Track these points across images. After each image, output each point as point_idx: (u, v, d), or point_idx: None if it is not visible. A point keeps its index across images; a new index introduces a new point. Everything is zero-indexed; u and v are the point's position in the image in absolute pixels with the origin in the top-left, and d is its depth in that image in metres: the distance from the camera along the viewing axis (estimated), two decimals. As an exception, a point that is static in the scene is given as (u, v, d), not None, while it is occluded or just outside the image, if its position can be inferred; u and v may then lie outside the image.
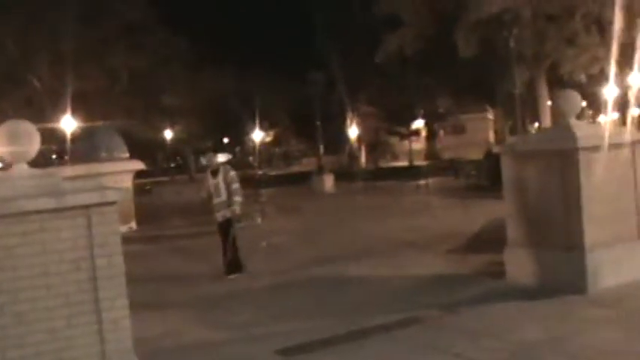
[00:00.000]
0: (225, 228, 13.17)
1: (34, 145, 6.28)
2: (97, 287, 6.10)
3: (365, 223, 19.56)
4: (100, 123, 31.36)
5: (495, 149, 11.20)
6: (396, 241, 15.23)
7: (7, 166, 6.42)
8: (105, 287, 6.13)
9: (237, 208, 13.10)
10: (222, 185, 13.07)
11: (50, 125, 33.73)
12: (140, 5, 39.75)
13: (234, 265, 13.04)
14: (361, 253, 14.06)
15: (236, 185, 13.09)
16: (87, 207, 6.07)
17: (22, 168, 6.25)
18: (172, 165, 76.79)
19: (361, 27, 42.01)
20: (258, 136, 58.75)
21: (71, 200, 6.01)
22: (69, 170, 21.63)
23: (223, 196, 13.05)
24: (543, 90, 32.91)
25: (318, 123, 39.90)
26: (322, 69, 43.18)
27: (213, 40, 48.19)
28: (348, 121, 54.77)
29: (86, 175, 19.42)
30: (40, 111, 35.06)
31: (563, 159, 9.54)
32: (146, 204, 31.49)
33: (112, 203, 6.23)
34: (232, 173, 13.22)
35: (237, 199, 13.06)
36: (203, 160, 13.63)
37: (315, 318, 9.18)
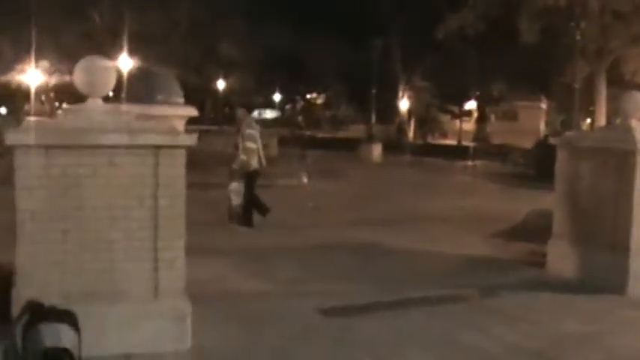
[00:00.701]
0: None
1: (109, 81, 6.45)
2: (158, 226, 6.30)
3: (410, 196, 19.65)
4: (155, 66, 31.66)
5: (552, 141, 11.16)
6: (440, 219, 15.30)
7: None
8: (165, 227, 6.32)
9: (237, 162, 13.83)
10: (239, 140, 13.83)
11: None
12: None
13: (243, 218, 13.69)
14: (405, 226, 14.17)
15: (247, 142, 13.62)
16: (157, 147, 6.24)
17: (97, 102, 6.42)
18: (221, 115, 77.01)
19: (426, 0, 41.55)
20: (308, 96, 58.89)
21: (143, 139, 6.19)
22: (124, 108, 21.97)
23: (240, 150, 13.80)
24: (602, 87, 32.43)
25: (374, 91, 39.81)
26: (381, 37, 42.84)
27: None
28: (401, 93, 54.52)
29: (140, 115, 19.70)
30: (98, 47, 35.38)
31: (620, 159, 9.50)
32: (195, 151, 31.78)
33: (182, 147, 6.42)
34: (248, 131, 13.77)
35: (242, 156, 13.67)
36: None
37: (357, 282, 9.34)
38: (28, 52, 36.67)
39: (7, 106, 52.47)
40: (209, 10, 41.31)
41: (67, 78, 39.46)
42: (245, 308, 7.89)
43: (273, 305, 8.09)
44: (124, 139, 6.13)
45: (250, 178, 13.80)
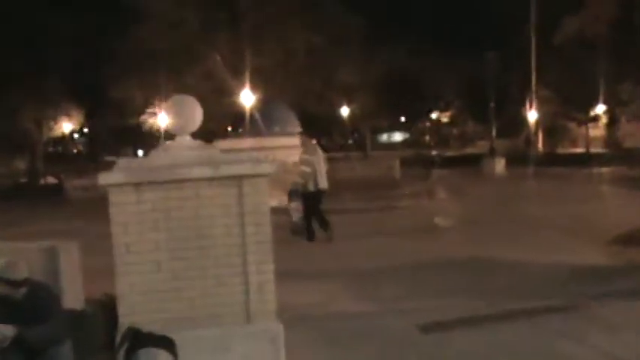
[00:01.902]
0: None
1: (196, 119, 6.84)
2: (246, 252, 6.59)
3: (529, 207, 19.41)
4: (276, 98, 32.52)
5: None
6: (558, 228, 15.10)
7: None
8: (253, 252, 6.61)
9: (293, 184, 15.63)
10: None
11: (228, 99, 35.37)
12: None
13: (306, 233, 15.30)
14: (519, 238, 14.08)
15: (302, 167, 15.12)
16: (240, 177, 6.56)
17: (184, 139, 6.82)
18: (350, 142, 77.70)
19: (540, 6, 40.71)
20: (433, 115, 58.65)
21: (226, 170, 6.52)
22: (245, 142, 22.80)
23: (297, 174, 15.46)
24: None
25: (492, 104, 39.36)
26: (498, 49, 42.31)
27: (388, 17, 48.29)
28: (528, 105, 53.52)
29: (259, 147, 20.44)
30: (219, 84, 36.61)
31: None
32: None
33: (264, 175, 6.71)
34: (303, 156, 15.34)
35: (298, 179, 15.26)
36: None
37: (461, 297, 9.39)
38: (154, 94, 38.47)
39: (142, 148, 55.02)
40: (325, 37, 41.86)
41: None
42: (343, 328, 8.09)
43: (373, 324, 8.25)
44: (207, 172, 6.47)
45: (307, 198, 15.16)
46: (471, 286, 10.17)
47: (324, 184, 15.23)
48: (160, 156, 6.71)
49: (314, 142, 16.71)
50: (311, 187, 15.01)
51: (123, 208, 6.36)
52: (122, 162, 6.67)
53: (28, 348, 5.53)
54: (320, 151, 15.73)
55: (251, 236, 6.59)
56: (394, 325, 8.15)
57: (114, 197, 6.37)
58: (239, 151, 16.16)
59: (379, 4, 49.79)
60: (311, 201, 15.12)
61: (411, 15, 48.67)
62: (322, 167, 15.27)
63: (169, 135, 7.03)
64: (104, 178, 6.31)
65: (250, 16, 36.68)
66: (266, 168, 6.68)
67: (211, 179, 6.48)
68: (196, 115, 6.86)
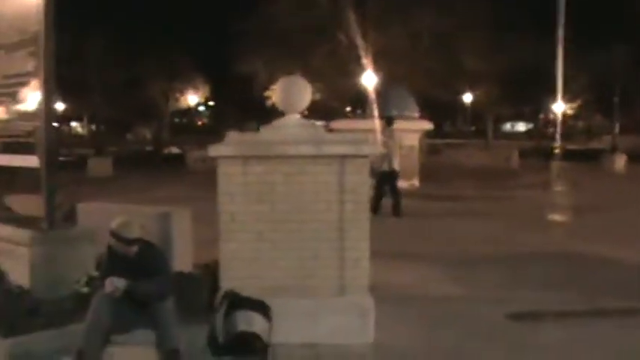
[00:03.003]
0: None
1: (304, 98, 7.20)
2: (344, 228, 6.91)
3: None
4: (399, 81, 32.63)
5: None
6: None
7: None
8: (350, 229, 6.92)
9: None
10: None
11: (351, 79, 35.70)
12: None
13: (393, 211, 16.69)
14: (629, 237, 13.80)
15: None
16: (342, 157, 6.87)
17: (293, 117, 7.19)
18: (472, 129, 76.91)
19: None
20: (559, 107, 57.19)
21: (329, 149, 6.85)
22: (360, 124, 23.11)
23: None
24: None
25: (616, 99, 38.24)
26: (631, 43, 40.91)
27: (517, 4, 47.25)
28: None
29: (373, 130, 20.67)
30: (344, 64, 36.95)
31: None
32: (434, 163, 32.55)
33: (365, 156, 7.00)
34: (382, 139, 16.83)
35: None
36: None
37: (557, 291, 9.36)
38: (279, 71, 39.17)
39: (264, 123, 56.16)
40: (452, 22, 41.46)
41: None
42: (435, 310, 8.31)
43: (463, 308, 8.43)
44: (312, 150, 6.82)
45: (380, 177, 16.22)
46: (571, 280, 10.14)
47: (397, 165, 16.79)
48: (268, 132, 7.10)
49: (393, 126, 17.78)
50: (385, 167, 16.34)
51: (230, 179, 6.79)
52: (232, 136, 7.09)
53: (137, 300, 6.04)
54: (395, 136, 17.49)
55: (349, 213, 6.90)
56: (485, 310, 8.29)
57: (222, 169, 6.81)
58: (352, 131, 16.56)
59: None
60: (383, 179, 16.43)
61: (541, 1, 47.24)
62: (396, 150, 17.07)
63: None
64: (215, 150, 6.76)
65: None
66: (367, 149, 6.97)
67: (315, 157, 6.82)
68: (305, 96, 7.22)
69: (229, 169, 6.79)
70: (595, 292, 9.34)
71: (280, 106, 7.23)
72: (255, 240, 6.83)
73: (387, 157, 16.26)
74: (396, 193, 16.90)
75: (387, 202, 16.77)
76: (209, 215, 7.07)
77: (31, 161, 8.09)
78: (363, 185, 6.97)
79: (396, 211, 16.66)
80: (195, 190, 19.17)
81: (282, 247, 6.86)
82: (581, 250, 12.28)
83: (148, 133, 63.44)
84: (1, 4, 8.43)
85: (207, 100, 65.29)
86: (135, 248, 6.15)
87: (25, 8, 8.03)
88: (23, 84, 8.20)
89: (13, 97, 8.38)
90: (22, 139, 8.37)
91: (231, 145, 6.87)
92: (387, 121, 17.95)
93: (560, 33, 31.36)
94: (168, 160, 39.40)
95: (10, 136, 8.57)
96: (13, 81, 8.34)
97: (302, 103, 7.22)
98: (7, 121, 8.56)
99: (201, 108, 76.65)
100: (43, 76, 7.79)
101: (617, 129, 40.49)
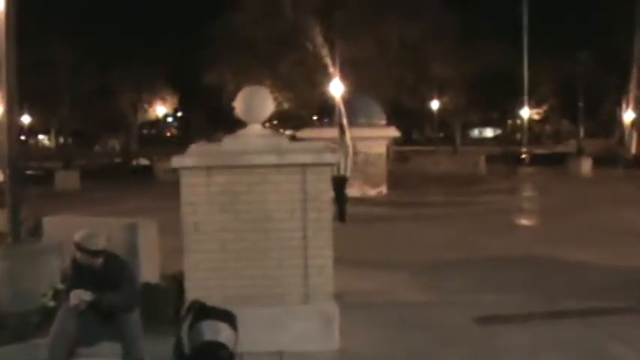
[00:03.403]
0: None
1: (266, 108, 7.28)
2: (307, 236, 6.98)
3: (608, 210, 19.04)
4: (367, 89, 32.80)
5: None
6: (635, 233, 14.88)
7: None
8: (314, 237, 6.99)
9: None
10: None
11: (319, 88, 35.78)
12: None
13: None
14: (593, 240, 13.99)
15: None
16: (304, 165, 6.95)
17: (255, 128, 7.26)
18: (440, 135, 77.40)
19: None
20: (525, 113, 57.82)
21: (291, 158, 6.93)
22: (326, 132, 23.19)
23: None
24: None
25: (580, 104, 38.73)
26: (594, 47, 41.46)
27: (484, 14, 47.78)
28: (624, 105, 52.25)
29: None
30: (311, 73, 37.04)
31: None
32: (402, 171, 32.78)
33: (327, 164, 7.09)
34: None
35: None
36: None
37: (521, 294, 9.49)
38: (247, 81, 39.19)
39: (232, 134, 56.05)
40: (420, 31, 41.74)
41: (284, 106, 41.77)
42: (401, 315, 8.40)
43: (430, 313, 8.53)
44: (274, 159, 6.90)
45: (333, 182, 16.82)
46: (535, 283, 10.28)
47: (347, 171, 17.36)
48: (231, 142, 7.16)
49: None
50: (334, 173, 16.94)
51: (194, 190, 6.85)
52: (195, 147, 7.15)
53: (102, 312, 6.07)
54: (348, 143, 18.44)
55: (313, 222, 6.98)
56: (450, 315, 8.40)
57: (186, 179, 6.87)
58: (319, 140, 16.70)
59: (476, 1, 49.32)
60: (335, 185, 17.01)
61: (507, 10, 47.79)
62: (348, 157, 17.54)
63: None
64: (177, 162, 6.82)
65: (344, 6, 36.95)
66: (329, 158, 7.05)
67: (278, 166, 6.90)
68: (266, 106, 7.29)
69: (192, 180, 6.85)
70: (558, 294, 9.49)
71: (242, 117, 7.29)
72: (219, 250, 6.88)
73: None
74: (342, 199, 17.02)
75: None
76: (176, 226, 7.11)
77: (-5, 175, 8.10)
78: (325, 193, 7.05)
79: (341, 216, 16.71)
80: (164, 201, 18.97)
81: (247, 256, 6.92)
82: (544, 254, 12.45)
83: (116, 145, 63.17)
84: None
85: (175, 110, 65.17)
86: (100, 260, 6.18)
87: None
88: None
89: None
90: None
91: (194, 155, 6.93)
92: (339, 128, 19.22)
93: (525, 40, 31.56)
94: (137, 172, 39.20)
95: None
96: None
97: (264, 113, 7.29)
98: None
99: (170, 119, 76.46)
100: (5, 90, 7.80)
101: (582, 133, 40.90)
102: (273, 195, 6.94)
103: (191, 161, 6.85)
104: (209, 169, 6.84)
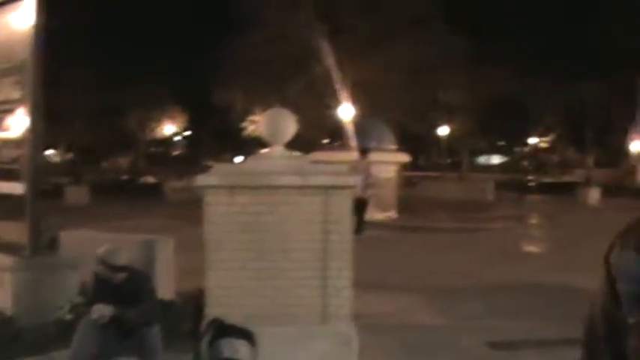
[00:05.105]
0: None
1: (289, 130, 7.35)
2: (327, 258, 7.04)
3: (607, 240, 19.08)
4: (376, 113, 32.93)
5: None
6: None
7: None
8: (334, 258, 7.05)
9: None
10: None
11: (329, 111, 35.93)
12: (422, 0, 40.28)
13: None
14: (597, 268, 14.00)
15: None
16: (327, 188, 7.02)
17: (278, 149, 7.34)
18: (449, 161, 77.36)
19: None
20: (532, 140, 57.95)
21: (313, 180, 7.00)
22: (338, 155, 23.27)
23: None
24: None
25: (590, 134, 38.79)
26: (604, 77, 41.53)
27: (493, 40, 47.91)
28: (631, 134, 52.29)
29: (352, 161, 20.88)
30: (321, 96, 37.19)
31: None
32: (410, 196, 32.80)
33: (350, 187, 7.16)
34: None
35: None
36: None
37: (534, 320, 9.54)
38: (256, 102, 39.42)
39: (241, 154, 56.35)
40: (430, 56, 41.85)
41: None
42: (416, 339, 8.44)
43: (444, 337, 8.56)
44: (296, 181, 6.96)
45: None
46: (547, 310, 10.30)
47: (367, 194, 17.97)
48: (254, 163, 7.24)
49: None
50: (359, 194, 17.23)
51: (216, 209, 6.91)
52: (219, 166, 7.26)
53: (123, 327, 6.11)
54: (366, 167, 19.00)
55: (333, 243, 7.02)
56: (465, 339, 8.43)
57: (209, 198, 6.92)
58: (333, 162, 16.84)
59: (486, 26, 49.48)
60: (355, 205, 17.95)
61: (518, 38, 47.93)
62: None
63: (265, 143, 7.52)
64: (201, 180, 6.89)
65: (355, 30, 37.16)
66: (350, 180, 7.12)
67: (300, 187, 6.96)
68: (290, 128, 7.37)
69: (215, 199, 6.91)
70: (570, 321, 9.42)
71: (266, 138, 7.37)
72: (239, 268, 6.94)
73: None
74: (361, 219, 17.61)
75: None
76: (188, 244, 7.16)
77: (16, 188, 8.15)
78: (346, 216, 7.10)
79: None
80: (175, 220, 19.23)
81: (267, 275, 6.97)
82: (555, 281, 12.49)
83: (124, 162, 63.31)
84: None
85: (184, 130, 65.37)
86: (122, 275, 6.22)
87: (13, 37, 8.14)
88: (9, 111, 8.29)
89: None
90: (6, 166, 8.44)
91: (217, 175, 7.01)
92: (363, 152, 19.84)
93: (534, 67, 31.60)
94: (145, 190, 39.31)
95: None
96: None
97: (287, 135, 7.37)
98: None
99: (177, 138, 76.69)
100: (30, 104, 7.88)
101: (591, 162, 40.91)
102: (294, 216, 7.00)
103: (215, 180, 6.93)
104: (232, 188, 6.91)
